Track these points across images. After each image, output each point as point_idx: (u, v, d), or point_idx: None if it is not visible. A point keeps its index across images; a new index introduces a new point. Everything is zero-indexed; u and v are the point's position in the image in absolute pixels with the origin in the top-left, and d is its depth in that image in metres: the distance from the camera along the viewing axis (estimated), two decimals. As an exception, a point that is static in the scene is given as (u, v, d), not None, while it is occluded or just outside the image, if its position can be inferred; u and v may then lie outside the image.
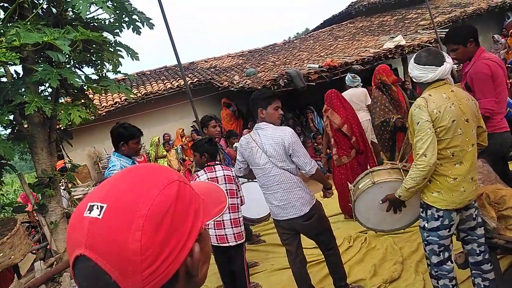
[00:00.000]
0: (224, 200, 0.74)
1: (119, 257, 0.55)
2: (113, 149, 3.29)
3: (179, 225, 0.60)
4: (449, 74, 2.39)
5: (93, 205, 0.59)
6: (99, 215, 0.58)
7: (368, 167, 4.52)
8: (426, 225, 2.43)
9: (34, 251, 4.44)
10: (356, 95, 6.59)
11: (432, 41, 9.55)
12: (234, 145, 6.40)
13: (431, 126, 2.24)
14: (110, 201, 0.59)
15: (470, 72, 3.07)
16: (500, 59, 3.21)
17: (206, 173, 3.28)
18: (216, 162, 3.38)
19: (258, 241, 5.05)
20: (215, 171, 3.28)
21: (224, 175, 3.26)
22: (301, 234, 3.14)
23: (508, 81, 7.18)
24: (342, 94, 6.59)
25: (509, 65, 9.48)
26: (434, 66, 2.30)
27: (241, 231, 3.27)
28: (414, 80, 2.42)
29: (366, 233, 4.39)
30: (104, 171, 4.34)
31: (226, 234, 3.19)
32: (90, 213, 0.58)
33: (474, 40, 3.05)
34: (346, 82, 6.69)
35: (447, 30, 9.78)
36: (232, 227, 3.21)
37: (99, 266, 0.56)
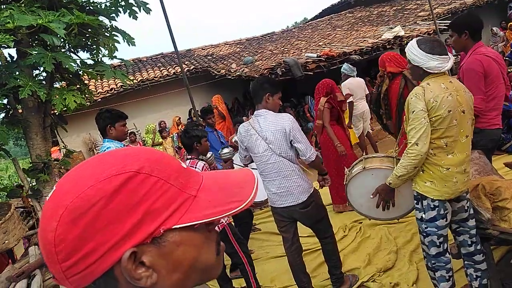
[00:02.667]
0: (242, 199, 0.60)
1: (43, 243, 0.56)
2: (104, 138, 3.35)
3: (108, 224, 0.53)
4: None
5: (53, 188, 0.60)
6: (47, 197, 0.58)
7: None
8: (423, 216, 2.43)
9: (28, 236, 4.43)
10: (359, 84, 6.58)
11: (432, 32, 9.51)
12: (233, 139, 6.36)
13: (426, 116, 2.23)
14: (58, 185, 0.58)
15: (462, 67, 3.03)
16: (498, 54, 3.13)
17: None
18: (188, 157, 3.32)
19: (253, 230, 5.07)
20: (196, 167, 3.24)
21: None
22: (298, 222, 3.15)
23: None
24: (346, 83, 6.52)
25: (507, 58, 9.47)
26: (447, 56, 2.29)
27: (224, 221, 3.25)
28: (429, 71, 2.30)
29: (361, 222, 4.42)
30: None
31: None
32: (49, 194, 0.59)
33: (469, 33, 2.99)
34: (345, 72, 6.60)
35: (446, 21, 9.78)
36: None
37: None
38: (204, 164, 3.27)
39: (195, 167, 3.23)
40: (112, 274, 0.55)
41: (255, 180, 0.65)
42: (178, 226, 0.57)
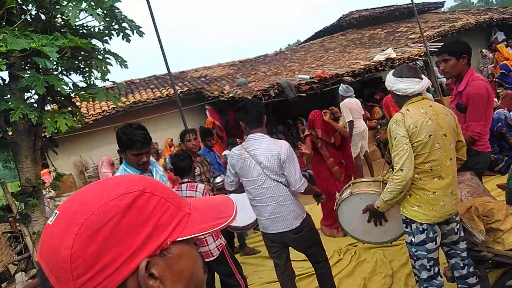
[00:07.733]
0: (226, 215, 0.68)
1: (53, 263, 0.56)
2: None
3: (123, 237, 0.57)
4: (425, 89, 2.46)
5: (54, 213, 0.61)
6: (50, 221, 0.60)
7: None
8: (413, 239, 2.43)
9: (15, 262, 4.32)
10: (357, 104, 6.67)
11: (422, 54, 9.69)
12: (223, 154, 6.35)
13: (408, 141, 2.27)
14: (62, 208, 0.61)
15: (467, 91, 2.99)
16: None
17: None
18: (184, 181, 3.35)
19: (253, 252, 4.98)
20: (181, 190, 3.28)
21: (186, 196, 3.19)
22: (290, 247, 3.09)
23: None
24: (346, 103, 6.57)
25: (497, 80, 9.65)
26: (418, 79, 2.37)
27: (222, 242, 3.27)
28: (398, 93, 2.44)
29: (356, 245, 4.37)
30: (91, 180, 4.18)
31: (210, 250, 3.17)
32: (49, 220, 0.61)
33: (468, 57, 3.05)
34: (340, 92, 6.70)
35: (436, 43, 9.98)
36: (214, 241, 3.20)
37: (42, 271, 0.58)
38: (205, 187, 3.26)
39: (195, 190, 3.23)
40: (124, 287, 0.57)
41: (233, 201, 0.73)
42: (181, 238, 0.62)
